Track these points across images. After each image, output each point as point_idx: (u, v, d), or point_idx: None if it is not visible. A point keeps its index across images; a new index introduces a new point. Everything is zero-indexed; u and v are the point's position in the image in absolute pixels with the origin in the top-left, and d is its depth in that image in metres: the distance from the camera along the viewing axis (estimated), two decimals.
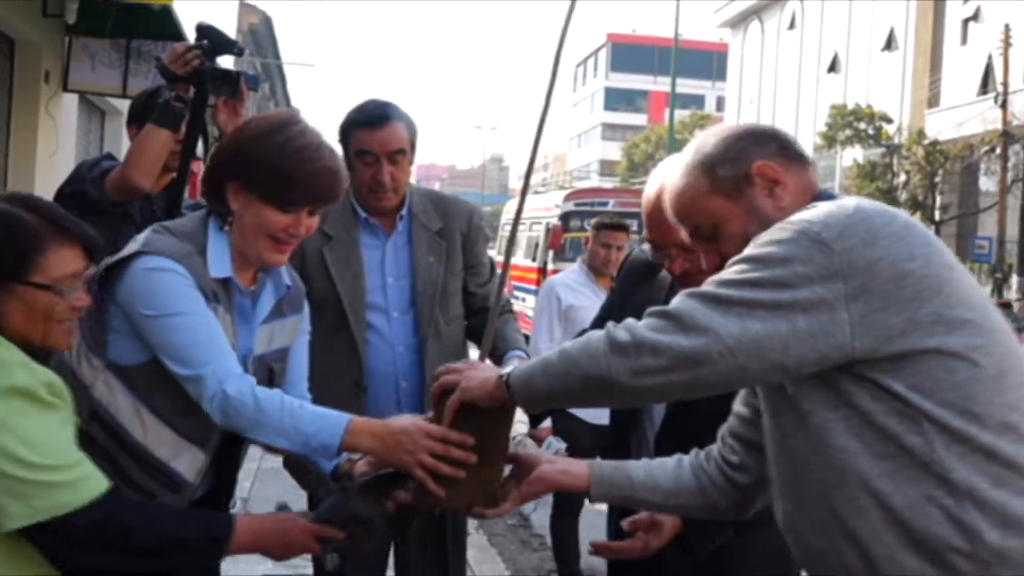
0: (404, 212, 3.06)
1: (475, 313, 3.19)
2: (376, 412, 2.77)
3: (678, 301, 1.61)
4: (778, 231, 1.58)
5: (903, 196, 26.65)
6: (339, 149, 2.92)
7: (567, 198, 15.71)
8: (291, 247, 2.10)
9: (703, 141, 1.82)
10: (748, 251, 1.60)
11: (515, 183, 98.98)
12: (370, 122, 2.93)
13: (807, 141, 32.04)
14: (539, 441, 4.35)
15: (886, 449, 1.54)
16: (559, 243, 14.55)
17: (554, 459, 2.10)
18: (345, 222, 3.02)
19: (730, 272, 1.60)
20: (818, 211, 1.59)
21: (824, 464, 1.60)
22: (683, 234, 1.93)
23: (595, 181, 45.78)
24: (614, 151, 60.69)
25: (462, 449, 1.88)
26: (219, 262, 2.08)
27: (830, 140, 28.67)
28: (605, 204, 14.22)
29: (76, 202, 3.24)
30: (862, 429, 1.56)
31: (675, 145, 33.91)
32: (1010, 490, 1.51)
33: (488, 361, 2.12)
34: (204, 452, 2.09)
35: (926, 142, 26.68)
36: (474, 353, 2.80)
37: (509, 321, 3.20)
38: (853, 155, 29.25)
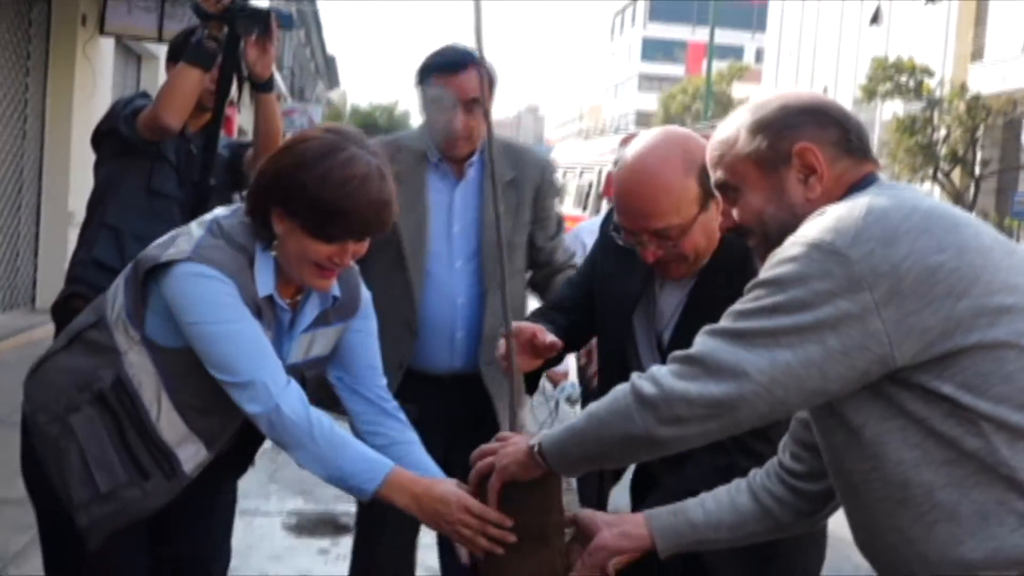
0: (475, 159, 2.95)
1: (540, 267, 3.15)
2: (426, 359, 2.86)
3: (700, 342, 1.53)
4: (788, 248, 1.49)
5: (943, 151, 26.14)
6: (416, 94, 2.91)
7: (623, 143, 15.10)
8: (336, 273, 2.06)
9: (765, 101, 1.69)
10: (762, 274, 1.52)
11: (550, 132, 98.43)
12: (447, 67, 2.83)
13: (847, 94, 31.50)
14: (555, 383, 4.38)
15: (947, 456, 1.44)
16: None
17: (612, 521, 1.95)
18: (415, 162, 2.92)
19: (746, 301, 1.51)
20: (827, 219, 1.48)
21: (884, 481, 1.50)
22: (657, 221, 1.95)
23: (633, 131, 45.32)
24: (651, 102, 60.00)
25: (503, 529, 1.85)
26: (264, 279, 2.05)
27: (870, 93, 28.11)
28: None
29: (110, 140, 3.27)
30: (919, 438, 1.46)
31: (712, 96, 33.47)
32: None
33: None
34: (209, 450, 2.11)
35: (968, 96, 26.11)
36: (535, 304, 2.86)
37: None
38: (893, 109, 28.71)
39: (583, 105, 74.27)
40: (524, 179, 3.01)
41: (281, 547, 4.24)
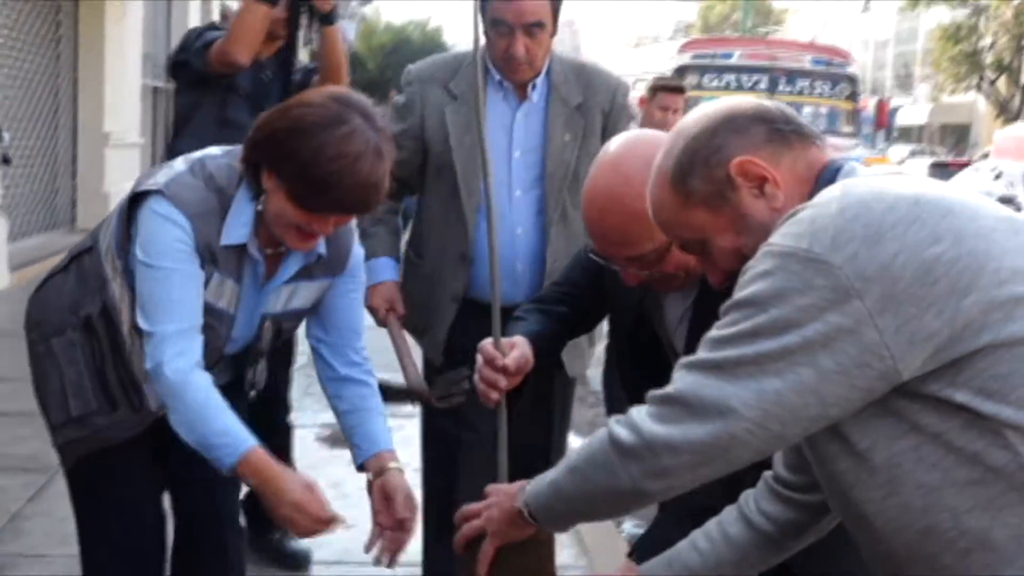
0: (540, 81, 2.79)
1: None
2: (486, 289, 2.67)
3: (678, 378, 1.36)
4: (760, 260, 1.30)
5: (988, 59, 25.49)
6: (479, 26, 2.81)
7: (683, 49, 13.87)
8: (316, 238, 2.03)
9: (671, 143, 1.50)
10: (736, 294, 1.34)
11: (587, 47, 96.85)
12: None
13: (891, 4, 30.59)
14: None
15: (971, 475, 1.27)
16: None
17: None
18: (474, 81, 2.72)
19: (723, 326, 1.33)
20: (798, 221, 1.30)
21: (902, 509, 1.32)
22: (629, 250, 1.76)
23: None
24: (690, 12, 58.89)
25: None
26: (237, 228, 2.03)
27: (914, 1, 27.39)
28: (729, 56, 12.80)
29: (184, 71, 3.33)
30: (937, 456, 1.28)
31: (752, 5, 32.65)
32: None
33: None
34: None
35: (1015, 2, 25.32)
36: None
37: None
38: (937, 16, 27.94)
39: (620, 17, 72.88)
40: (593, 103, 2.84)
41: (315, 458, 4.34)
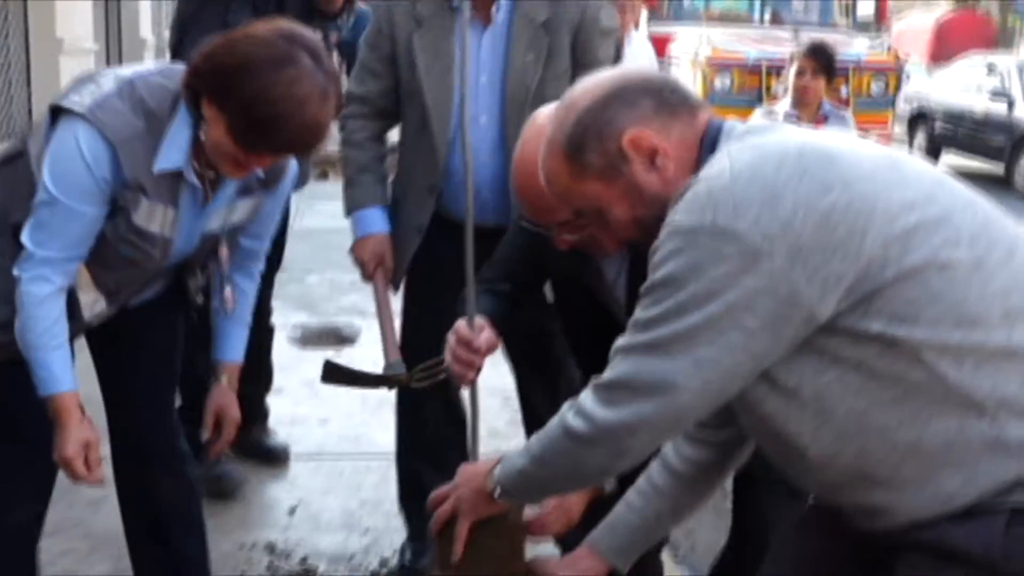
0: (503, 0, 2.64)
1: None
2: (453, 210, 2.66)
3: (617, 363, 1.41)
4: (668, 239, 1.35)
5: None
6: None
7: None
8: (252, 170, 2.02)
9: (563, 115, 1.53)
10: (652, 276, 1.38)
11: None
12: None
13: None
14: None
15: (895, 394, 1.34)
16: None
17: (565, 563, 1.85)
18: (438, 6, 2.64)
19: (648, 307, 1.38)
20: (697, 197, 1.34)
21: (836, 435, 1.39)
22: (555, 216, 1.74)
23: None
24: None
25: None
26: (173, 152, 2.00)
27: None
28: None
29: None
30: (860, 382, 1.35)
31: None
32: None
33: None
34: (109, 303, 2.15)
35: None
36: None
37: None
38: None
39: None
40: (561, 19, 2.65)
41: (288, 358, 4.41)
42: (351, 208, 2.83)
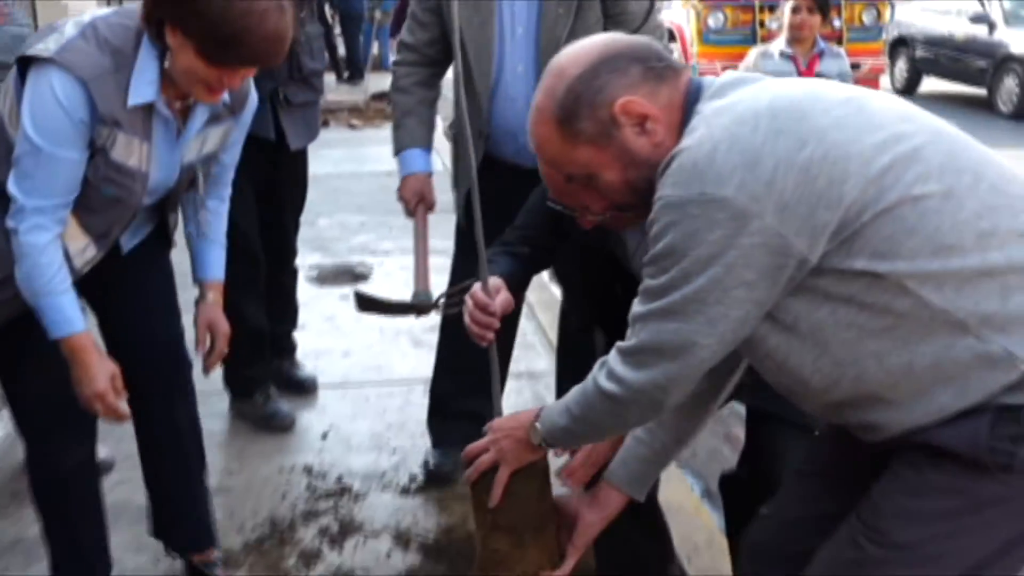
0: None
1: None
2: (498, 151, 2.86)
3: (638, 330, 1.52)
4: (663, 212, 1.43)
5: None
6: None
7: None
8: (223, 91, 2.09)
9: (553, 82, 1.56)
10: (653, 248, 1.47)
11: None
12: None
13: None
14: None
15: (884, 323, 1.43)
16: None
17: (586, 500, 1.95)
18: None
19: (656, 276, 1.47)
20: (682, 169, 1.41)
21: (834, 364, 1.49)
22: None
23: None
24: None
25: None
26: (143, 86, 2.05)
27: None
28: None
29: None
30: (852, 315, 1.44)
31: None
32: (1021, 290, 1.41)
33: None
34: (98, 247, 2.21)
35: None
36: None
37: None
38: None
39: None
40: None
41: (307, 296, 4.61)
42: (397, 149, 2.98)
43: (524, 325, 3.73)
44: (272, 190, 3.47)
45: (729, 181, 1.36)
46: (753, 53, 4.68)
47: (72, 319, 2.11)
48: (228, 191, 2.51)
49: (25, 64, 2.02)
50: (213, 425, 3.36)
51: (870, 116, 1.44)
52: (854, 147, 1.38)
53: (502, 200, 2.54)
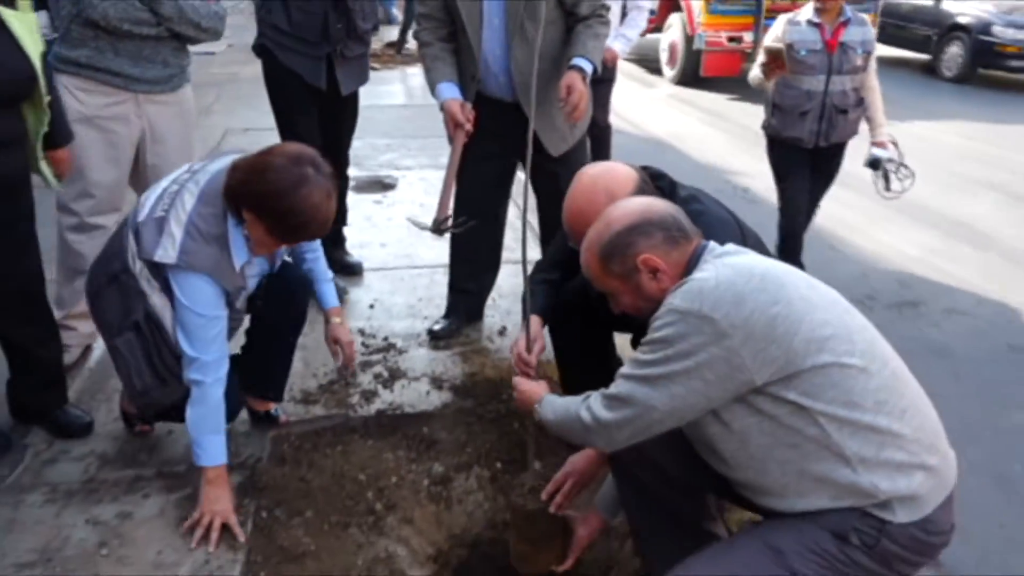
0: None
1: (568, 18, 3.34)
2: (487, 89, 3.39)
3: (620, 384, 1.91)
4: (668, 314, 1.82)
5: None
6: None
7: None
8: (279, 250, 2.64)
9: (602, 230, 2.00)
10: (652, 333, 1.85)
11: None
12: None
13: None
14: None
15: (794, 440, 1.79)
16: None
17: (580, 518, 2.55)
18: None
19: (645, 353, 1.86)
20: (691, 291, 1.80)
21: (748, 456, 1.86)
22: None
23: None
24: None
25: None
26: (239, 251, 2.49)
27: None
28: None
29: None
30: (772, 428, 1.80)
31: None
32: (892, 448, 1.77)
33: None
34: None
35: None
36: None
37: (592, 26, 3.30)
38: None
39: None
40: None
41: (349, 202, 5.05)
42: (432, 86, 3.44)
43: (512, 220, 4.30)
44: (332, 120, 4.06)
45: (719, 308, 1.76)
46: (781, 20, 4.42)
47: (222, 454, 2.59)
48: (314, 255, 3.00)
49: (152, 263, 2.46)
50: None
51: (826, 303, 1.84)
52: (807, 316, 1.78)
53: (492, 125, 3.23)
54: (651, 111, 9.89)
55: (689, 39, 10.97)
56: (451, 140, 3.43)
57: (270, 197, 2.32)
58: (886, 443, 1.78)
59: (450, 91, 3.39)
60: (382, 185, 6.08)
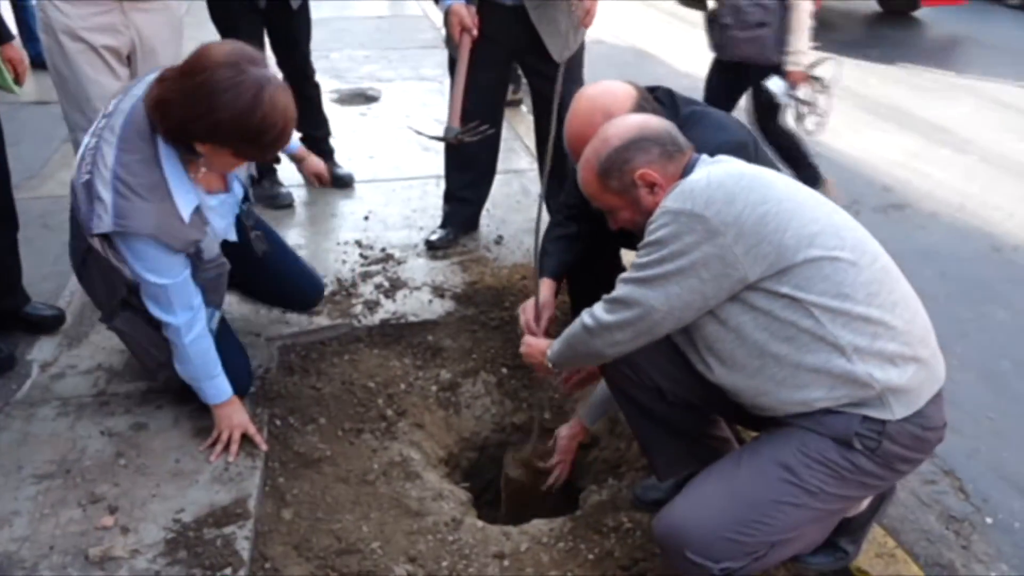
0: None
1: None
2: (490, 1, 3.29)
3: (619, 287, 1.92)
4: (662, 216, 1.84)
5: None
6: None
7: None
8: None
9: (599, 147, 2.01)
10: (647, 237, 1.87)
11: None
12: None
13: None
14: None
15: (789, 333, 1.81)
16: None
17: (565, 427, 2.68)
18: None
19: (643, 256, 1.88)
20: (684, 192, 1.83)
21: (745, 352, 1.87)
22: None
23: None
24: None
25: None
26: (185, 195, 2.21)
27: None
28: None
29: None
30: (767, 323, 1.82)
31: None
32: (884, 339, 1.79)
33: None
34: (219, 310, 2.59)
35: None
36: None
37: None
38: None
39: None
40: None
41: (332, 114, 5.02)
42: None
43: (505, 134, 4.27)
44: (286, 29, 4.04)
45: (711, 206, 1.79)
46: None
47: (225, 391, 2.54)
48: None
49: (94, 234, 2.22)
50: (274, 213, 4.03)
51: (813, 203, 1.87)
52: (797, 214, 1.82)
53: (493, 31, 3.20)
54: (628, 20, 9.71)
55: None
56: (450, 47, 3.39)
57: (234, 121, 2.03)
58: (879, 334, 1.80)
59: None
60: (365, 97, 5.98)
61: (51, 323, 3.18)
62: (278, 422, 2.78)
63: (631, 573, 2.34)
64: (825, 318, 1.79)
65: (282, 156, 3.08)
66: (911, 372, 1.82)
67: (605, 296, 1.97)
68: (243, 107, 2.02)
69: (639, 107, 2.30)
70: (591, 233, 2.72)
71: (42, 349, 3.10)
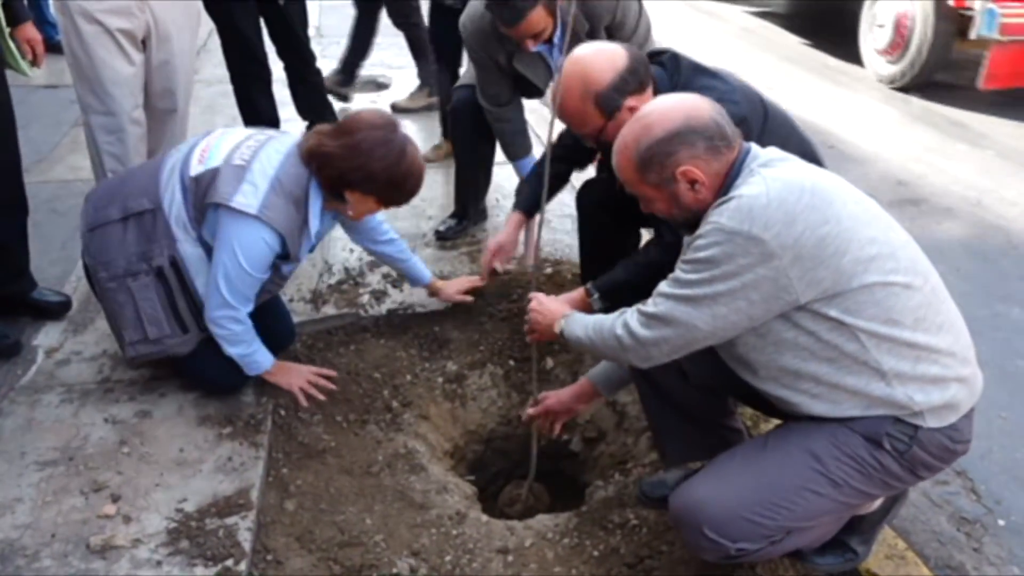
0: None
1: None
2: None
3: (660, 302, 1.85)
4: (713, 233, 1.75)
5: None
6: None
7: None
8: None
9: (639, 133, 1.88)
10: (697, 254, 1.78)
11: None
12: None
13: None
14: None
15: (830, 355, 1.77)
16: None
17: (566, 391, 2.56)
18: None
19: (689, 272, 1.80)
20: (740, 209, 1.72)
21: (780, 367, 1.83)
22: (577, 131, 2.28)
23: None
24: None
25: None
26: (315, 220, 2.54)
27: None
28: None
29: None
30: (809, 342, 1.78)
31: None
32: (927, 362, 1.77)
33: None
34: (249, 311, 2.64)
35: None
36: None
37: None
38: None
39: None
40: None
41: (340, 105, 5.16)
42: None
43: None
44: (281, 14, 4.05)
45: (770, 228, 1.70)
46: None
47: (267, 360, 2.67)
48: (387, 236, 3.03)
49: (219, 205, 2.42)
50: None
51: (871, 218, 1.80)
52: (857, 236, 1.74)
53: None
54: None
55: (948, 13, 6.24)
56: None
57: (385, 171, 2.43)
58: (922, 358, 1.78)
59: None
60: (376, 84, 5.97)
61: (57, 309, 3.17)
62: (282, 412, 2.76)
63: (636, 570, 2.31)
64: (871, 343, 1.76)
65: None
66: (952, 392, 1.81)
67: (642, 309, 1.90)
68: (392, 163, 2.43)
69: (623, 78, 2.26)
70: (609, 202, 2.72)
71: (47, 335, 3.08)
